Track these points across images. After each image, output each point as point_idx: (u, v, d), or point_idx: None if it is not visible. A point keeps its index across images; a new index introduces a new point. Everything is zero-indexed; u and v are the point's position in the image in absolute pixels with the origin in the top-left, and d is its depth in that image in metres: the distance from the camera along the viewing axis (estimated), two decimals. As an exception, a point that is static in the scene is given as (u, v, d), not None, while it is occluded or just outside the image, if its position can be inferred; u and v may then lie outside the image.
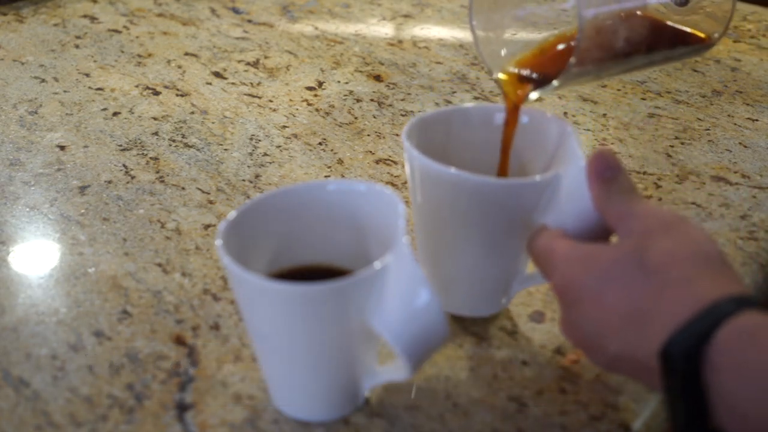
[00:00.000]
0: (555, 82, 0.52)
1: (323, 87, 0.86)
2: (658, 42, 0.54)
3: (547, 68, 0.55)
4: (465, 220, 0.53)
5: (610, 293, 0.45)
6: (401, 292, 0.44)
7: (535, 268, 0.52)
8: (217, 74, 0.88)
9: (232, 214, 0.48)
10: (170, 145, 0.76)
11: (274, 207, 0.50)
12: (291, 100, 0.84)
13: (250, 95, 0.85)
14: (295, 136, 0.78)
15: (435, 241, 0.55)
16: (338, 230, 0.52)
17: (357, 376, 0.49)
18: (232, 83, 0.87)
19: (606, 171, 0.49)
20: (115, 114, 0.80)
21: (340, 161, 0.74)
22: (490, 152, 0.57)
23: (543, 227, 0.52)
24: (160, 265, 0.62)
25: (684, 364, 0.41)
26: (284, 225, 0.51)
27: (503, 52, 0.56)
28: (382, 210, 0.49)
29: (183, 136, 0.77)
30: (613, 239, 0.50)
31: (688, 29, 0.55)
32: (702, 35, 0.55)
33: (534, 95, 0.54)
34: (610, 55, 0.51)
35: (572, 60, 0.50)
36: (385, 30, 1.00)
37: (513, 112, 0.55)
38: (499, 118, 0.57)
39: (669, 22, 0.54)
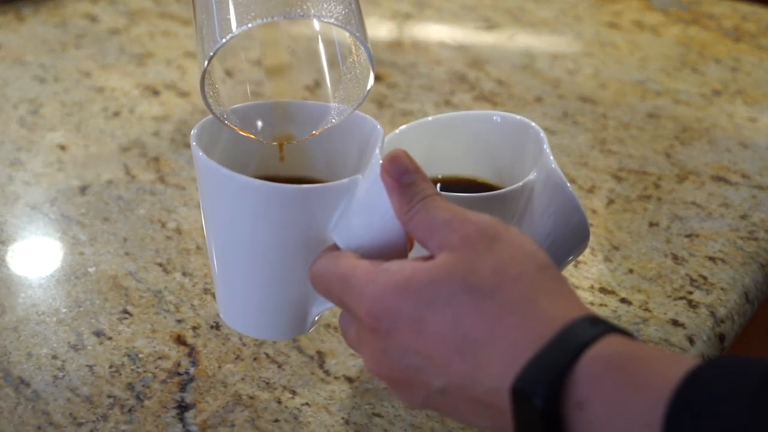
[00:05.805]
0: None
1: (323, 87, 0.86)
2: None
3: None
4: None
5: (433, 320, 0.38)
6: (364, 209, 0.44)
7: (325, 298, 0.45)
8: (217, 74, 0.88)
9: (208, 117, 0.48)
10: (170, 145, 0.76)
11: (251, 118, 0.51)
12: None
13: (251, 93, 0.85)
14: (296, 136, 0.78)
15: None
16: (315, 152, 0.52)
17: (307, 297, 0.47)
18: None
19: (403, 176, 0.42)
20: (116, 114, 0.80)
21: (341, 161, 0.74)
22: (473, 161, 0.57)
23: (329, 249, 0.45)
24: (160, 264, 0.62)
25: (544, 401, 0.36)
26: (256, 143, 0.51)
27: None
28: (361, 136, 0.49)
29: (183, 136, 0.77)
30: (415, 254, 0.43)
31: None
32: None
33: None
34: None
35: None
36: (385, 30, 1.00)
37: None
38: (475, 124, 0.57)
39: None
